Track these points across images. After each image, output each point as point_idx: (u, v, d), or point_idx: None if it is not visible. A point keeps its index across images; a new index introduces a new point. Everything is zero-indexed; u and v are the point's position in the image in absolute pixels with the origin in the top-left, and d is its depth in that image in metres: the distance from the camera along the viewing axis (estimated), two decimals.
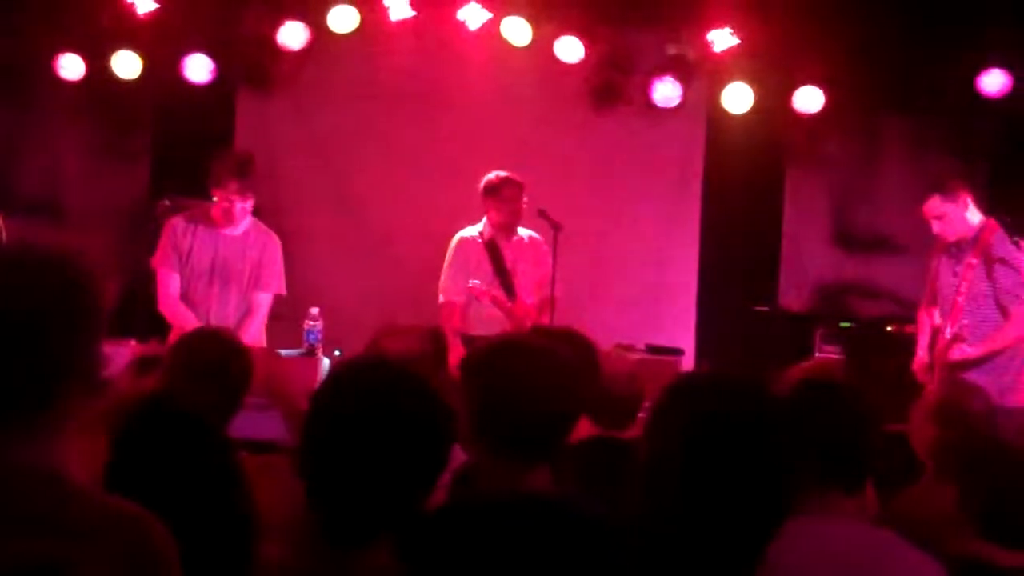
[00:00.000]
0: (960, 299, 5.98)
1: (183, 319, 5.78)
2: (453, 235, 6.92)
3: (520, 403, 2.60)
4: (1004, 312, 5.94)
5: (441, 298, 6.73)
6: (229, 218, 5.88)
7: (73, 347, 1.94)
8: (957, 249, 6.08)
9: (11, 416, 1.89)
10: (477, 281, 6.55)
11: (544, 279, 6.84)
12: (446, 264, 6.77)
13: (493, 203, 6.72)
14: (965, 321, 5.91)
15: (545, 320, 6.63)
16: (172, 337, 5.79)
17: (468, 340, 6.29)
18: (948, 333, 5.96)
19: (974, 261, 6.00)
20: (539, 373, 2.65)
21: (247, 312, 5.98)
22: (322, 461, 2.13)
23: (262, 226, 6.16)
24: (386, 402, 2.13)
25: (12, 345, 1.89)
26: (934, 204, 6.06)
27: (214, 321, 5.82)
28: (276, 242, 6.13)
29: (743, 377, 2.10)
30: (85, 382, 1.97)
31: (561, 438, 2.69)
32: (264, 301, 6.03)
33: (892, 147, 8.31)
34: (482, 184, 6.75)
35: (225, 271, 5.94)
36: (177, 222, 5.98)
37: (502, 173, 6.74)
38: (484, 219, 6.82)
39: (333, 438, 2.12)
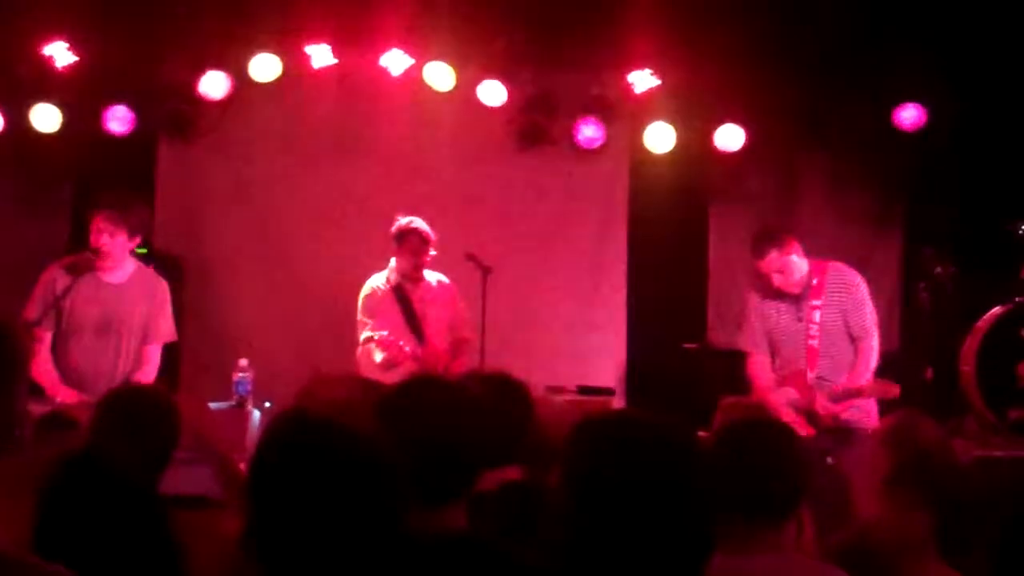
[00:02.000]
0: (814, 343, 6.04)
1: (51, 384, 5.57)
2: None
3: (425, 440, 2.61)
4: (855, 346, 6.07)
5: (360, 349, 6.68)
6: (98, 252, 5.64)
7: None
8: (792, 295, 6.10)
9: None
10: (384, 332, 6.51)
11: (456, 321, 6.86)
12: (359, 314, 6.72)
13: (398, 250, 6.76)
14: (825, 364, 6.00)
15: (462, 362, 6.63)
16: (61, 395, 5.63)
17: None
18: (811, 377, 6.00)
19: (817, 303, 6.07)
20: (445, 412, 2.67)
21: (138, 364, 5.79)
22: (271, 521, 2.09)
23: (149, 271, 6.01)
24: (330, 458, 2.09)
25: None
26: (772, 259, 6.03)
27: (103, 374, 5.65)
28: (164, 289, 5.95)
29: (651, 415, 2.09)
30: (3, 440, 1.94)
31: (470, 478, 2.69)
32: (155, 352, 5.87)
33: (812, 182, 8.45)
34: (392, 229, 6.75)
35: (111, 323, 5.74)
36: (54, 272, 5.73)
37: (411, 221, 6.73)
38: (392, 263, 6.82)
39: (281, 499, 2.09)
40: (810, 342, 6.05)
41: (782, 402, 5.98)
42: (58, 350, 5.75)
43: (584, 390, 7.63)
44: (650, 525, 1.95)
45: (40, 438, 3.76)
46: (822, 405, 5.89)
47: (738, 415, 3.91)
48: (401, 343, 6.45)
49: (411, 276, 6.78)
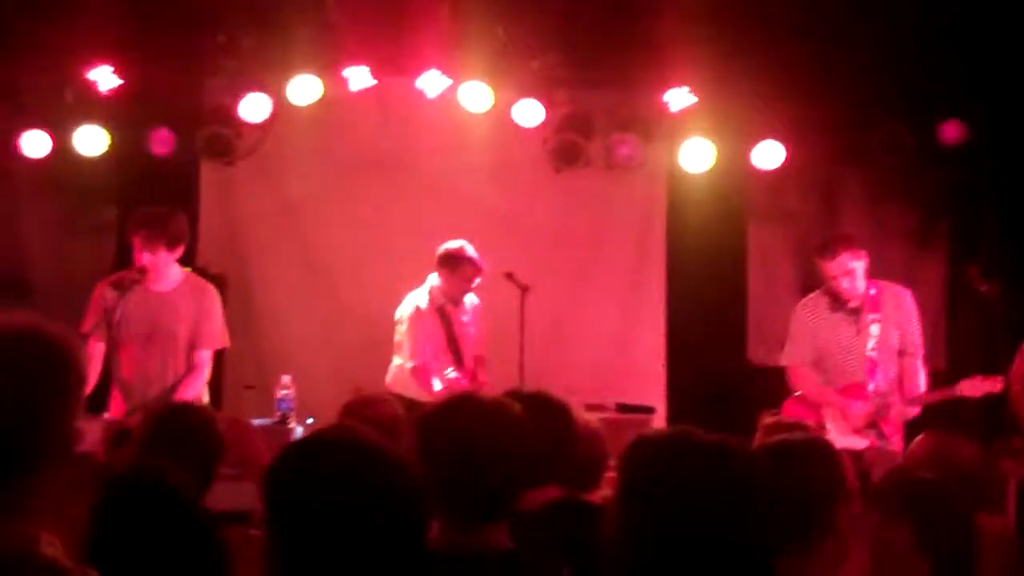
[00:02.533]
0: (873, 355, 6.13)
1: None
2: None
3: (467, 459, 2.61)
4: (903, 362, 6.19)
5: (410, 364, 6.71)
6: (143, 270, 5.78)
7: (49, 422, 1.94)
8: (848, 307, 6.17)
9: None
10: (453, 372, 6.60)
11: (479, 339, 6.98)
12: (408, 332, 6.78)
13: (448, 275, 6.83)
14: (880, 376, 6.10)
15: (484, 378, 6.71)
16: (113, 409, 5.75)
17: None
18: (871, 388, 6.11)
19: (875, 316, 6.12)
20: (488, 431, 2.65)
21: (188, 371, 5.87)
22: (289, 545, 2.06)
23: (196, 279, 6.09)
24: (349, 484, 2.05)
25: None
26: (843, 261, 6.11)
27: (155, 382, 5.75)
28: (212, 294, 6.04)
29: (706, 433, 2.07)
30: (60, 457, 1.97)
31: (513, 496, 2.68)
32: (205, 359, 5.94)
33: (853, 200, 8.41)
34: (441, 252, 6.82)
35: (159, 331, 5.84)
36: (104, 287, 5.87)
37: (462, 248, 6.81)
38: (430, 283, 6.86)
39: (297, 524, 2.06)
40: (869, 354, 6.13)
41: (842, 411, 6.07)
42: (111, 361, 5.85)
43: (624, 408, 7.62)
44: (709, 543, 1.94)
45: (103, 452, 3.83)
46: (898, 411, 6.03)
47: (778, 434, 3.90)
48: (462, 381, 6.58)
49: (455, 299, 6.81)
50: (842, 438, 6.04)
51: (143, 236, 5.76)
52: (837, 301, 6.23)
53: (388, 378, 6.89)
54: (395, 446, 3.81)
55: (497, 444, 2.64)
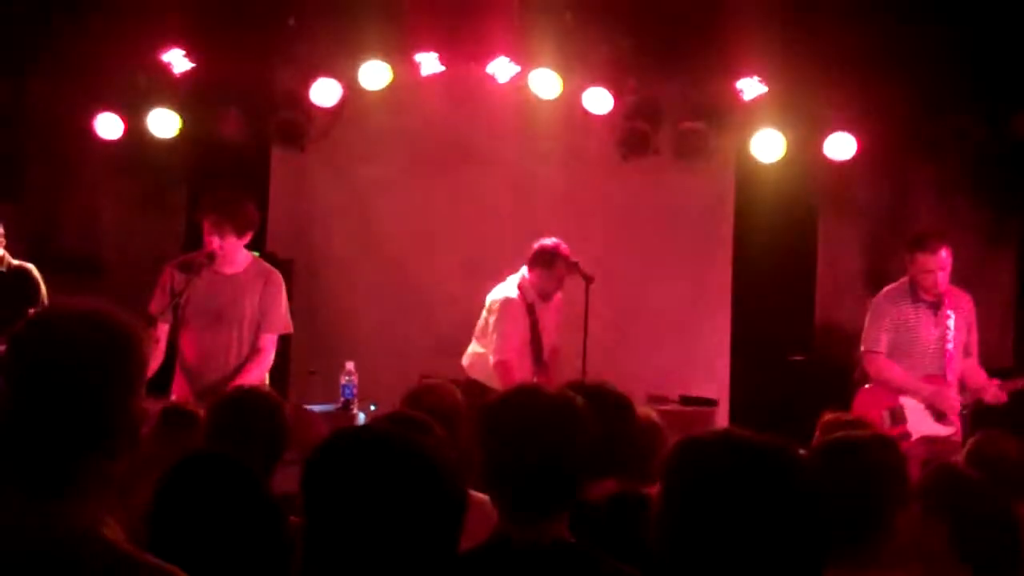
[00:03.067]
0: (950, 347, 6.24)
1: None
2: (484, 288, 6.92)
3: (530, 451, 2.63)
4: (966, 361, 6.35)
5: (494, 357, 6.66)
6: (212, 255, 5.81)
7: (114, 406, 1.98)
8: (928, 301, 6.25)
9: (49, 477, 1.92)
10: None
11: (557, 329, 6.97)
12: (499, 324, 6.70)
13: (543, 271, 6.74)
14: (954, 370, 6.24)
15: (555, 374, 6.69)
16: (177, 391, 5.81)
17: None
18: (951, 380, 6.23)
19: (951, 312, 6.25)
20: (551, 422, 2.66)
21: (253, 353, 5.89)
22: (317, 535, 2.05)
23: (263, 264, 6.12)
24: (384, 484, 2.02)
25: (57, 406, 1.94)
26: (942, 257, 6.20)
27: (218, 364, 5.80)
28: (277, 280, 6.04)
29: (754, 436, 2.04)
30: (125, 441, 2.01)
31: (574, 488, 2.69)
32: (270, 343, 5.95)
33: (924, 193, 8.28)
34: (537, 248, 6.74)
35: (223, 313, 5.86)
36: (172, 269, 5.92)
37: (558, 244, 6.74)
38: (520, 277, 6.78)
39: (325, 515, 2.04)
40: (947, 346, 6.24)
41: (934, 398, 6.18)
42: (177, 342, 5.92)
43: (687, 400, 7.59)
44: (754, 549, 1.92)
45: (162, 433, 3.87)
46: (993, 393, 6.17)
47: (837, 431, 3.87)
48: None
49: (547, 296, 6.82)
50: (927, 425, 6.08)
51: (213, 220, 5.81)
52: (917, 294, 6.27)
53: (465, 361, 6.81)
54: (454, 435, 3.93)
55: (559, 436, 2.65)
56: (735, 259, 8.34)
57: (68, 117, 7.87)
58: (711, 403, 7.59)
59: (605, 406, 3.37)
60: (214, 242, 5.80)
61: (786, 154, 7.86)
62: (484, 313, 6.82)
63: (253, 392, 3.85)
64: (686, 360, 8.24)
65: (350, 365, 5.90)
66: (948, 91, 7.70)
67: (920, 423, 6.20)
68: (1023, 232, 8.16)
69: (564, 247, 6.75)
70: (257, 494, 2.64)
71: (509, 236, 8.03)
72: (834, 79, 7.66)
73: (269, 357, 5.94)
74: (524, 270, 6.79)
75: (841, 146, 7.81)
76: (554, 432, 2.65)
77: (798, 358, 8.05)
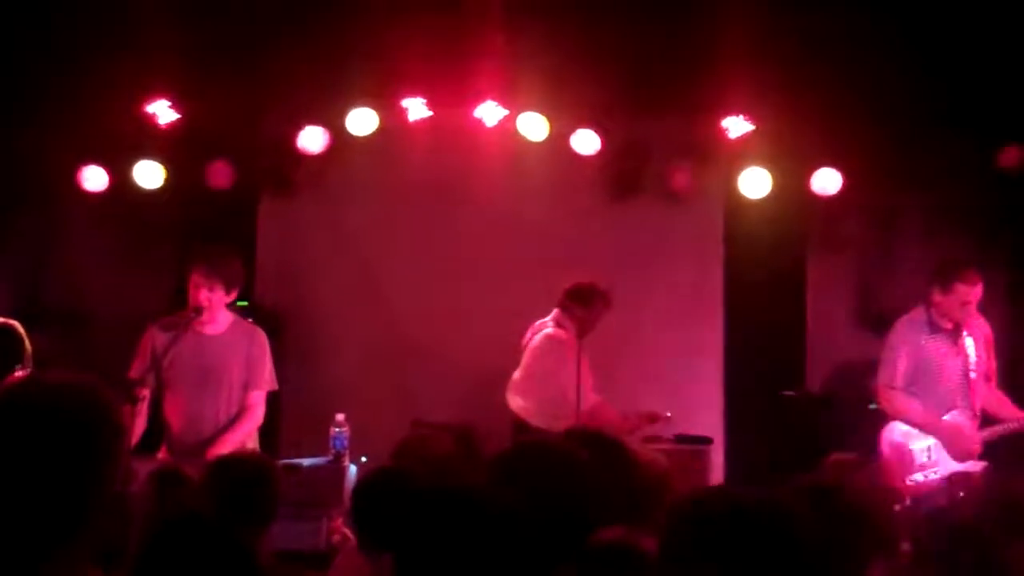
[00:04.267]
0: (973, 375, 6.19)
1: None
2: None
3: (538, 502, 2.60)
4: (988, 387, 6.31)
5: (586, 404, 6.68)
6: (197, 307, 5.73)
7: (96, 476, 1.97)
8: (946, 329, 6.20)
9: (25, 555, 1.90)
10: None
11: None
12: (548, 361, 6.79)
13: (582, 309, 6.81)
14: (979, 399, 6.21)
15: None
16: (163, 450, 5.75)
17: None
18: (977, 410, 6.18)
19: (970, 339, 6.18)
20: (557, 478, 2.72)
21: (242, 411, 5.84)
22: None
23: (246, 323, 6.07)
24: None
25: (37, 479, 1.92)
26: (980, 289, 6.20)
27: (207, 424, 5.74)
28: (262, 337, 6.01)
29: (750, 496, 2.04)
30: (102, 515, 2.00)
31: (580, 538, 2.71)
32: (258, 400, 5.91)
33: (912, 226, 8.29)
34: (574, 287, 6.86)
35: (211, 373, 5.81)
36: (154, 330, 5.84)
37: (594, 283, 6.87)
38: (558, 317, 6.79)
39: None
40: (970, 374, 6.19)
41: (952, 439, 6.11)
42: (162, 405, 5.84)
43: (682, 439, 7.55)
44: None
45: (152, 494, 3.84)
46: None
47: (843, 474, 3.86)
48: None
49: (584, 333, 6.82)
50: (955, 463, 6.01)
51: (203, 272, 5.76)
52: (935, 323, 6.22)
53: (521, 408, 6.83)
54: (445, 483, 3.91)
55: (564, 488, 2.72)
56: (726, 297, 8.33)
57: (53, 169, 7.84)
58: (707, 441, 7.56)
59: (603, 453, 3.37)
60: (202, 296, 5.75)
61: (773, 191, 7.88)
62: (529, 357, 6.79)
63: (245, 458, 3.84)
64: (679, 399, 8.17)
65: (340, 416, 5.84)
66: (933, 124, 7.73)
67: (949, 459, 6.11)
68: (1011, 262, 8.16)
69: (601, 285, 6.83)
70: (243, 559, 2.63)
71: (500, 279, 8.03)
72: (819, 115, 7.69)
73: (258, 415, 5.90)
74: (555, 312, 6.80)
75: (827, 181, 7.84)
76: (558, 484, 2.70)
77: (790, 394, 8.03)
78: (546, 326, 6.83)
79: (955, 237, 8.15)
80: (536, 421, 6.58)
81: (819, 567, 2.36)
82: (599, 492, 2.85)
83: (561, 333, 6.83)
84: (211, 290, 5.75)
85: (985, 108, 7.67)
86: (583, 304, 6.84)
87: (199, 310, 5.75)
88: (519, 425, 6.71)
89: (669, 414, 7.03)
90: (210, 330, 5.86)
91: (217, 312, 5.85)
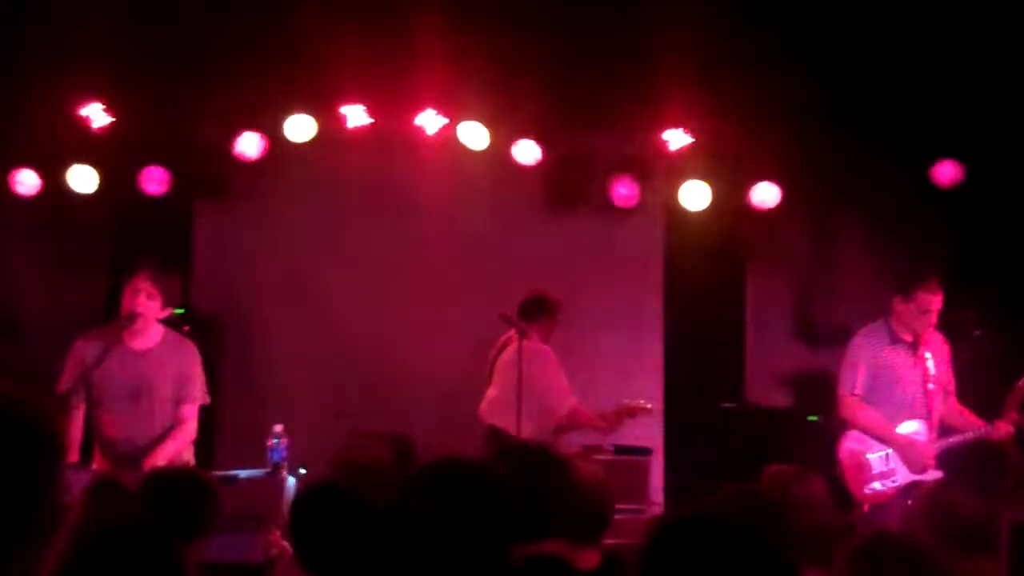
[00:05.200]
0: (931, 386, 6.21)
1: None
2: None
3: (450, 521, 2.64)
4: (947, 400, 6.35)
5: (563, 407, 6.90)
6: (132, 316, 5.61)
7: (35, 489, 1.92)
8: (906, 342, 6.22)
9: None
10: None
11: None
12: (553, 375, 6.90)
13: (548, 320, 7.02)
14: (937, 411, 6.22)
15: None
16: (96, 462, 5.64)
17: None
18: (934, 419, 6.21)
19: (928, 354, 6.22)
20: (470, 492, 2.68)
21: (176, 425, 5.73)
22: None
23: (176, 336, 5.94)
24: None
25: None
26: (941, 298, 6.21)
27: (140, 438, 5.63)
28: (193, 351, 5.89)
29: (724, 521, 2.04)
30: (42, 528, 1.95)
31: (499, 554, 2.70)
32: (192, 414, 5.81)
33: (850, 239, 8.38)
34: (539, 298, 7.01)
35: (141, 389, 5.69)
36: (82, 344, 5.72)
37: (545, 294, 7.04)
38: (522, 328, 6.80)
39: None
40: (928, 386, 6.21)
41: (907, 451, 6.14)
42: (92, 420, 5.72)
43: (620, 450, 7.54)
44: None
45: (89, 506, 3.76)
46: (1006, 429, 6.15)
47: (785, 483, 3.86)
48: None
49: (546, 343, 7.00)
50: (915, 473, 6.05)
51: (148, 278, 5.63)
52: (895, 334, 6.25)
53: (485, 408, 6.93)
54: (386, 490, 3.90)
55: (480, 505, 2.67)
56: (665, 308, 8.36)
57: None
58: (646, 452, 7.55)
59: (538, 469, 3.36)
60: (140, 301, 5.63)
61: (713, 204, 7.92)
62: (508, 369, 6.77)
63: (181, 470, 3.81)
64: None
65: (277, 428, 5.73)
66: (870, 139, 7.82)
67: (911, 469, 6.15)
68: (947, 277, 8.25)
69: (552, 294, 7.05)
70: (173, 569, 2.59)
71: (438, 288, 8.00)
72: (758, 129, 7.75)
73: (190, 428, 5.80)
74: (517, 324, 6.83)
75: (766, 195, 7.90)
76: (472, 501, 2.66)
77: (730, 404, 8.07)
78: (513, 340, 6.81)
79: (892, 250, 8.25)
80: (527, 432, 6.55)
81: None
82: (525, 509, 2.81)
83: (536, 343, 6.90)
84: (149, 298, 5.64)
85: (922, 124, 7.77)
86: (546, 314, 7.00)
87: (132, 317, 5.63)
88: (497, 437, 6.70)
89: (650, 405, 7.16)
90: (139, 344, 5.74)
91: (149, 325, 5.73)
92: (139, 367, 5.71)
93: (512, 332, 6.83)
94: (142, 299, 5.63)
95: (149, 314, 5.68)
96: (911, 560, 2.95)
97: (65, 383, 5.67)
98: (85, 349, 5.69)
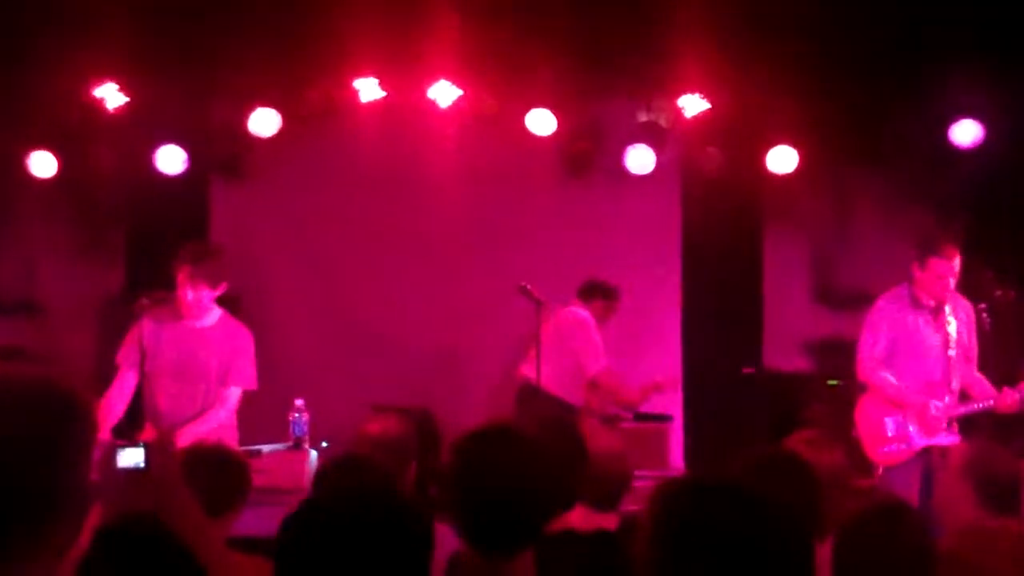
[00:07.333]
0: (952, 353, 6.15)
1: (106, 418, 5.59)
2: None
3: (497, 493, 2.66)
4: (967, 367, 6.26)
5: (595, 367, 7.22)
6: (186, 307, 5.73)
7: (63, 474, 1.92)
8: (928, 307, 6.17)
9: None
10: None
11: None
12: (589, 336, 7.24)
13: (605, 303, 7.42)
14: (957, 377, 6.14)
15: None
16: (146, 434, 5.69)
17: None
18: (955, 386, 6.14)
19: (951, 317, 6.15)
20: (519, 465, 2.70)
21: (215, 405, 5.81)
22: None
23: (233, 320, 6.01)
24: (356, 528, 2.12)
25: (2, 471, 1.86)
26: (957, 263, 6.13)
27: (185, 415, 5.71)
28: (247, 336, 5.96)
29: (731, 483, 2.04)
30: (74, 508, 1.96)
31: (538, 529, 2.73)
32: (232, 395, 5.86)
33: (867, 202, 8.33)
34: (599, 283, 7.39)
35: (190, 366, 5.78)
36: (146, 321, 5.78)
37: (607, 281, 7.44)
38: (580, 305, 7.28)
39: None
40: (949, 352, 6.16)
41: (921, 412, 6.10)
42: (144, 392, 5.82)
43: (641, 416, 7.56)
44: None
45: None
46: (1011, 399, 6.03)
47: (809, 451, 3.85)
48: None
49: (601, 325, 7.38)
50: (928, 437, 6.03)
51: (187, 274, 5.71)
52: (917, 299, 6.21)
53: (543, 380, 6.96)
54: (405, 465, 3.93)
55: (524, 474, 2.69)
56: (683, 275, 8.35)
57: (1, 156, 7.70)
58: (666, 419, 7.57)
59: (561, 439, 3.39)
60: (188, 294, 5.71)
61: (729, 169, 7.88)
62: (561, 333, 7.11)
63: (213, 448, 3.85)
64: (638, 377, 8.18)
65: (299, 402, 5.77)
66: (887, 101, 7.75)
67: (924, 432, 6.14)
68: (966, 238, 8.19)
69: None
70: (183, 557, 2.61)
71: (454, 260, 8.00)
72: (775, 93, 7.69)
73: (226, 409, 5.84)
74: (575, 302, 7.28)
75: (783, 159, 7.85)
76: (518, 470, 2.68)
77: (749, 370, 8.06)
78: (570, 311, 7.23)
79: (911, 213, 8.19)
80: (560, 389, 6.98)
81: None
82: (557, 477, 2.83)
83: (578, 310, 7.28)
84: (195, 289, 5.71)
85: (940, 84, 7.69)
86: (603, 297, 7.36)
87: (173, 297, 5.74)
88: (530, 391, 6.97)
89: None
90: (195, 323, 5.84)
91: (205, 307, 5.82)
92: (191, 345, 5.80)
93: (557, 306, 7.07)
94: (188, 292, 5.70)
95: (198, 303, 5.76)
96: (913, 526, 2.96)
97: (122, 355, 5.80)
98: (145, 325, 5.78)
